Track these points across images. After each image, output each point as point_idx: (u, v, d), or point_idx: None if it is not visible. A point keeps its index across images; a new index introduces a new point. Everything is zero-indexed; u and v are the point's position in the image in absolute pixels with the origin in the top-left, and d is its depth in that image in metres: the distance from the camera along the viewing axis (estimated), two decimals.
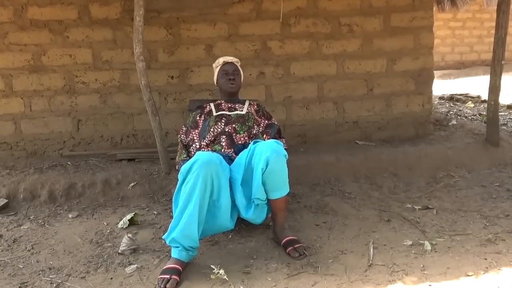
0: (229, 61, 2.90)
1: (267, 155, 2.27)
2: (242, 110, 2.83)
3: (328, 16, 4.08)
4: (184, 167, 2.27)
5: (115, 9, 3.89)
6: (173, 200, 2.34)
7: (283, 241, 2.44)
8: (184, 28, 3.96)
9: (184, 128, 2.88)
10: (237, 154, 2.58)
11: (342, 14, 4.10)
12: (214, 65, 2.96)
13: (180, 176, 2.29)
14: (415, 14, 4.19)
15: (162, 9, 3.90)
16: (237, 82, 2.88)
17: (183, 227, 2.21)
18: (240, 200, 2.38)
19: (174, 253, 2.27)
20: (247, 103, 2.92)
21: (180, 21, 3.95)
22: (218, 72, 2.91)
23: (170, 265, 2.22)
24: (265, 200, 2.40)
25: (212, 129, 2.71)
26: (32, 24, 3.84)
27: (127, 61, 3.93)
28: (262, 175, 2.29)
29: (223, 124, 2.73)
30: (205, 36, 3.98)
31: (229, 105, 2.86)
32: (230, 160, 2.57)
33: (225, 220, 2.33)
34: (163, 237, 2.35)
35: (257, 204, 2.38)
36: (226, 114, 2.79)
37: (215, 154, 2.33)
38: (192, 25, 3.96)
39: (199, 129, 2.80)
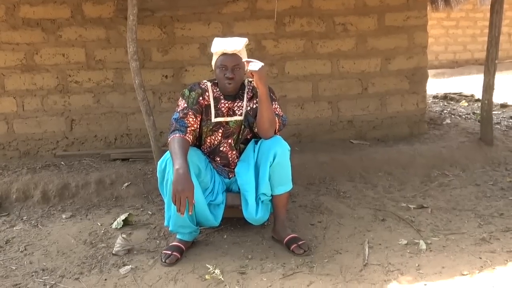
0: (230, 52, 2.38)
1: (275, 149, 2.36)
2: (241, 111, 2.51)
3: (323, 15, 4.08)
4: (159, 165, 2.35)
5: (109, 8, 3.86)
6: (159, 189, 2.45)
7: (286, 239, 2.45)
8: (178, 27, 3.94)
9: (183, 104, 2.45)
10: (232, 169, 2.58)
11: (337, 14, 4.09)
12: (212, 49, 2.45)
13: (158, 174, 2.37)
14: (409, 14, 4.20)
15: (156, 8, 3.87)
16: (236, 79, 2.42)
17: (175, 220, 2.38)
18: (251, 202, 2.41)
19: (178, 235, 2.47)
20: (245, 98, 2.53)
21: (174, 20, 3.93)
22: (216, 61, 2.44)
23: (174, 243, 2.44)
24: (269, 196, 2.45)
25: (208, 139, 2.54)
26: (24, 23, 3.80)
27: (121, 61, 3.90)
28: (269, 167, 2.36)
29: (219, 135, 2.52)
30: (199, 35, 3.97)
31: (228, 105, 2.50)
32: (227, 174, 2.59)
33: (206, 217, 2.43)
34: (165, 224, 2.49)
35: (262, 201, 2.43)
36: (224, 123, 2.51)
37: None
38: (186, 24, 3.94)
39: (202, 115, 2.49)
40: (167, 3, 3.88)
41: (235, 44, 2.39)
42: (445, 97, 6.91)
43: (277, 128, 2.48)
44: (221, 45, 2.40)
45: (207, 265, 2.25)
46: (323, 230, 2.68)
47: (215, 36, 2.67)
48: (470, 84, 8.40)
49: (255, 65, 2.30)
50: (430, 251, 2.36)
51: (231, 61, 2.38)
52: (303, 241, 2.43)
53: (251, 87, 2.55)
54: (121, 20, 3.83)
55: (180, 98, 2.49)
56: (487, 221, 2.72)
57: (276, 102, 2.53)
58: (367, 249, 2.39)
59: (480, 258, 2.26)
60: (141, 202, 3.19)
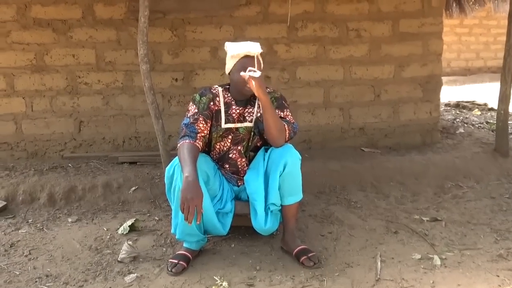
0: (252, 55, 2.32)
1: (285, 158, 2.29)
2: (251, 117, 2.47)
3: (336, 20, 4.01)
4: (167, 171, 2.31)
5: (120, 10, 3.83)
6: (167, 196, 2.40)
7: (296, 250, 2.38)
8: (190, 30, 3.90)
9: (194, 110, 2.39)
10: (241, 177, 2.52)
11: (350, 19, 4.03)
12: (230, 52, 2.38)
13: (166, 180, 2.33)
14: (424, 20, 4.12)
15: (167, 10, 3.83)
16: None
17: (182, 228, 2.32)
18: (260, 212, 2.35)
19: (185, 244, 2.42)
20: (256, 104, 2.47)
21: (185, 22, 3.89)
22: (235, 64, 2.35)
23: (181, 251, 2.39)
24: (279, 207, 2.39)
25: (217, 145, 2.48)
26: (35, 23, 3.78)
27: (131, 63, 3.86)
28: (279, 177, 2.30)
29: (229, 142, 2.47)
30: (210, 39, 3.92)
31: (239, 110, 2.45)
32: (236, 182, 2.54)
33: (214, 225, 2.38)
34: (172, 232, 2.44)
35: (271, 211, 2.37)
36: (233, 129, 2.45)
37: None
38: (197, 27, 3.90)
39: (212, 121, 2.43)
40: (179, 6, 3.84)
41: (256, 47, 2.34)
42: (458, 105, 6.79)
43: (287, 136, 2.40)
44: (242, 48, 2.33)
45: (214, 276, 2.19)
46: (333, 242, 2.60)
47: (227, 40, 2.63)
48: (483, 92, 8.28)
49: (255, 72, 2.22)
50: (445, 267, 2.28)
51: (254, 63, 2.30)
52: (313, 253, 2.36)
53: None
54: (132, 21, 3.80)
55: (191, 103, 2.44)
56: (503, 236, 2.63)
57: (287, 109, 2.47)
58: (379, 263, 2.32)
59: (498, 276, 2.18)
60: (148, 207, 3.14)
